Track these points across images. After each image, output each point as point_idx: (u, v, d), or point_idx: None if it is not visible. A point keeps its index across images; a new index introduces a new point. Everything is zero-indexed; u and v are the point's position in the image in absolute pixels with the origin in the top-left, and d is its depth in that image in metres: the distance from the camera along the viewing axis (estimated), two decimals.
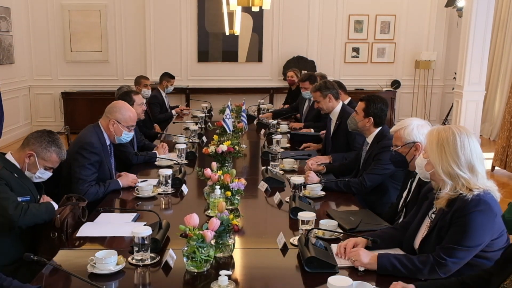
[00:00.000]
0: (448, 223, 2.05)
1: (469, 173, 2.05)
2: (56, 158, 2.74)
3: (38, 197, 2.74)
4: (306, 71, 7.94)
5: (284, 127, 5.56)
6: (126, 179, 3.37)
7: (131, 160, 3.99)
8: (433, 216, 2.20)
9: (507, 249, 1.82)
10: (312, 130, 5.34)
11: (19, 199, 2.55)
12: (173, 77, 6.97)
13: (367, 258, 2.12)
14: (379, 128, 3.46)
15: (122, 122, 3.35)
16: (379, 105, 3.44)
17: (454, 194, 2.06)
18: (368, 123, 3.46)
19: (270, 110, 6.76)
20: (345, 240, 2.28)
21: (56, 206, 2.65)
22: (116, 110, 3.36)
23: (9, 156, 2.68)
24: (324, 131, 4.86)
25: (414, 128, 2.75)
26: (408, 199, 2.78)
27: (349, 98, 5.31)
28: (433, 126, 2.24)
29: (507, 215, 1.68)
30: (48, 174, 2.77)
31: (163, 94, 6.82)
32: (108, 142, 3.40)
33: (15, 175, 2.61)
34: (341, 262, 2.17)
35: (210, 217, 2.38)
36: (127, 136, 3.41)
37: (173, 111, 6.89)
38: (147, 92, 6.10)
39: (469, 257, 2.01)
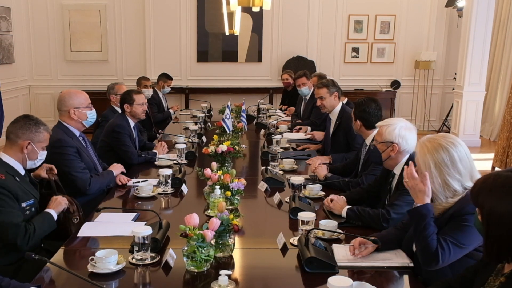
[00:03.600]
0: (444, 224, 2.05)
1: (471, 183, 2.05)
2: (47, 135, 2.77)
3: (39, 195, 2.74)
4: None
5: (283, 127, 5.56)
6: (114, 168, 3.47)
7: (133, 160, 4.01)
8: None
9: None
10: (309, 128, 5.40)
11: (24, 204, 2.54)
12: (170, 78, 6.97)
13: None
14: (376, 130, 3.45)
15: (81, 106, 3.33)
16: (363, 107, 3.42)
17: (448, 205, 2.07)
18: (359, 126, 3.48)
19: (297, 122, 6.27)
20: (352, 241, 2.28)
21: (54, 213, 2.64)
22: (67, 100, 3.32)
23: (4, 157, 2.62)
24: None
25: (397, 129, 2.73)
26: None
27: (346, 99, 5.31)
28: (419, 141, 2.20)
29: (477, 225, 1.68)
30: (45, 153, 2.78)
31: (160, 95, 6.85)
32: (77, 134, 3.38)
33: (17, 179, 2.59)
34: (341, 262, 2.17)
35: (210, 217, 2.39)
36: (91, 115, 3.40)
37: (171, 110, 6.90)
38: (147, 92, 6.13)
39: (459, 255, 1.99)
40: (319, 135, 5.09)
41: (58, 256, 2.30)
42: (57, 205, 2.68)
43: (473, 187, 1.68)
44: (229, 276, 1.96)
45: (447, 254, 1.97)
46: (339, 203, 2.79)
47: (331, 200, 2.84)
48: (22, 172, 2.68)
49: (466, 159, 2.08)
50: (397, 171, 2.76)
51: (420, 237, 2.02)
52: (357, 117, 3.46)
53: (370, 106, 3.42)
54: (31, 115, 2.83)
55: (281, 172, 3.67)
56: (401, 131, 2.72)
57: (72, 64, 9.23)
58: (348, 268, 2.15)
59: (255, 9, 5.54)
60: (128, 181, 3.46)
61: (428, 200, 2.06)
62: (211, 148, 3.51)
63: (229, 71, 9.27)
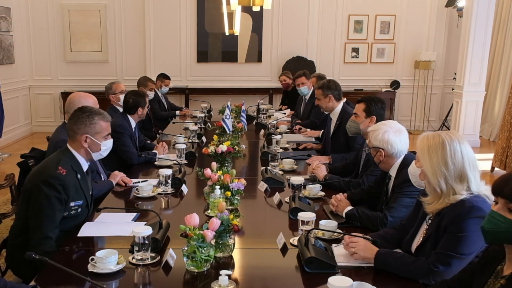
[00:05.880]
0: (442, 231, 2.05)
1: (459, 184, 2.03)
2: (105, 123, 2.73)
3: (91, 200, 2.76)
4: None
5: (283, 127, 5.56)
6: (114, 177, 3.43)
7: (133, 161, 4.01)
8: (430, 221, 2.19)
9: (487, 250, 1.81)
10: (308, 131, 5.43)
11: (72, 203, 2.58)
12: (168, 78, 7.00)
13: (366, 252, 2.16)
14: None
15: None
16: (379, 104, 3.47)
17: (442, 203, 2.06)
18: (371, 123, 3.42)
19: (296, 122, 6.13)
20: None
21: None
22: (77, 103, 3.28)
23: (73, 151, 2.66)
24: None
25: (380, 134, 2.74)
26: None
27: (344, 99, 5.30)
28: (425, 132, 2.19)
29: (486, 226, 1.65)
30: (110, 141, 2.77)
31: (159, 94, 6.87)
32: None
33: (78, 176, 2.63)
34: (341, 262, 2.17)
35: (210, 217, 2.39)
36: None
37: (177, 112, 6.92)
38: (151, 94, 6.16)
39: (462, 265, 1.97)
40: (313, 133, 5.18)
41: (59, 256, 2.30)
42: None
43: (504, 181, 1.60)
44: (229, 276, 1.96)
45: (448, 271, 1.97)
46: (342, 204, 2.79)
47: (339, 200, 2.83)
48: (85, 168, 2.72)
49: (460, 157, 2.04)
50: (392, 173, 2.77)
51: (404, 273, 2.07)
52: (373, 114, 3.46)
53: (383, 103, 3.50)
54: (85, 106, 2.80)
55: (281, 172, 3.67)
56: (385, 136, 2.72)
57: (72, 64, 9.23)
58: (348, 268, 2.15)
59: (255, 8, 5.55)
60: (130, 182, 3.46)
61: (373, 253, 2.14)
62: (211, 148, 3.51)
63: (229, 71, 9.27)
